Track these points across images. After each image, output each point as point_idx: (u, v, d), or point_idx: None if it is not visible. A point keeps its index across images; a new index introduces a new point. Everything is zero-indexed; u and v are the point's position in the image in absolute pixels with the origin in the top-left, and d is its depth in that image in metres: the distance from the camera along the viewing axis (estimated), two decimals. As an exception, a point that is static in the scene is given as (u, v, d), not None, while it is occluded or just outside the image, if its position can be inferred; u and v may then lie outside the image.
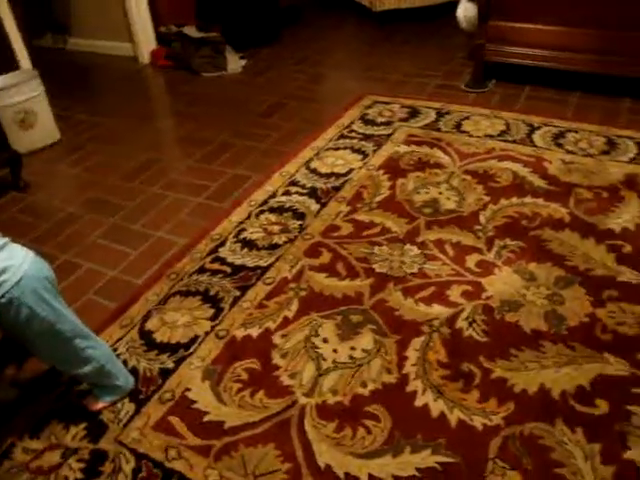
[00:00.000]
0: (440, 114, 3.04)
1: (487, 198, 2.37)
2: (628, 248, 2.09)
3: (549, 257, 2.07)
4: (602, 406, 1.59)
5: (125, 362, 1.78)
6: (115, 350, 1.82)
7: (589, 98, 3.18)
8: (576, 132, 2.80)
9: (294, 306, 1.94)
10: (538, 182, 2.45)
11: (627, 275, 1.98)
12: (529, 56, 3.21)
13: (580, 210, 2.28)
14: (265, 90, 3.58)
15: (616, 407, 1.58)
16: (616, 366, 1.69)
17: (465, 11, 3.46)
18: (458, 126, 2.92)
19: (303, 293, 1.98)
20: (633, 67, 2.98)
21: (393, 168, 2.60)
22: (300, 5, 4.98)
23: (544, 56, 3.17)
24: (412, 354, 1.75)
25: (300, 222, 2.31)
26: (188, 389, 1.70)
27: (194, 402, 1.67)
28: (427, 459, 1.49)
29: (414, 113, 3.06)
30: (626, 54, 2.97)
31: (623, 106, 3.08)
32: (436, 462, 1.48)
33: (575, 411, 1.58)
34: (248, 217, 2.38)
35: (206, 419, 1.62)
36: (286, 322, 1.88)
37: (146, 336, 1.89)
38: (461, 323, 1.83)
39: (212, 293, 2.02)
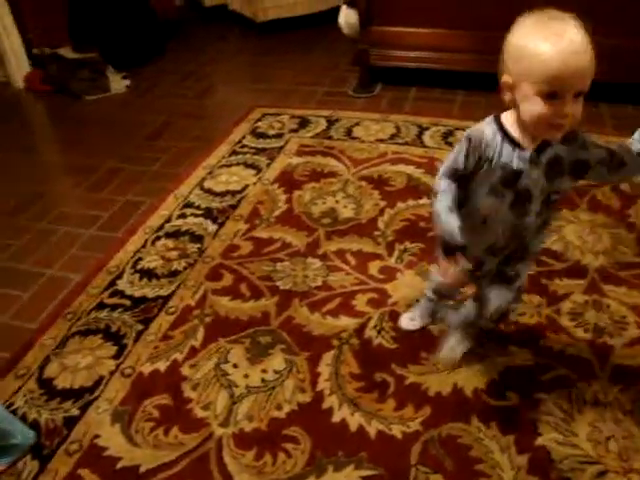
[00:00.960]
0: (330, 122, 3.05)
1: (384, 203, 2.39)
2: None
3: (449, 256, 2.10)
4: (513, 398, 1.63)
5: (24, 416, 1.66)
6: (11, 405, 1.70)
7: (473, 95, 3.29)
8: (464, 130, 2.87)
9: (200, 334, 1.87)
10: (432, 182, 2.47)
11: (523, 266, 2.04)
12: (413, 58, 3.28)
13: (474, 206, 2.34)
14: (151, 109, 3.48)
15: (525, 396, 1.63)
16: (522, 356, 1.74)
17: (346, 17, 3.49)
18: (349, 133, 2.94)
19: (208, 319, 1.92)
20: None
21: (288, 181, 2.58)
22: (180, 19, 4.89)
23: (428, 58, 3.25)
24: (324, 369, 1.73)
25: (198, 245, 2.25)
26: (97, 436, 1.60)
27: (105, 449, 1.57)
28: (351, 475, 1.47)
29: (304, 123, 3.05)
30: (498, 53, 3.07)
31: (501, 101, 3.19)
32: (360, 477, 1.47)
33: (489, 406, 1.61)
34: (144, 245, 2.29)
35: (119, 466, 1.53)
36: (194, 352, 1.82)
37: (46, 384, 1.77)
38: (370, 332, 1.83)
39: (113, 329, 1.92)
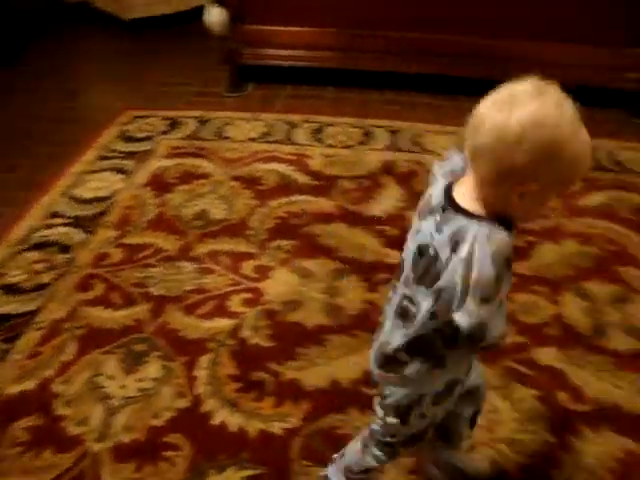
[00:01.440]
0: (201, 122, 3.01)
1: (256, 202, 2.39)
2: (392, 231, 2.24)
3: (322, 251, 2.14)
4: (388, 385, 1.68)
5: None
6: None
7: (344, 92, 3.35)
8: (334, 126, 2.94)
9: (72, 348, 1.80)
10: (303, 179, 2.52)
11: (394, 257, 2.10)
12: (285, 57, 3.30)
13: (345, 201, 2.39)
14: (12, 113, 3.29)
15: (399, 382, 1.68)
16: (394, 345, 1.79)
17: (213, 15, 3.45)
18: (220, 133, 2.91)
19: (80, 332, 1.85)
20: (377, 62, 3.20)
21: (158, 184, 2.52)
22: (43, 17, 4.65)
23: (299, 56, 3.28)
24: (202, 373, 1.71)
25: (67, 255, 2.16)
26: (-42, 473, 1.51)
27: (-34, 486, 1.48)
28: (232, 477, 1.47)
29: (174, 124, 3.00)
30: (369, 50, 3.17)
31: (374, 97, 3.29)
32: (241, 478, 1.46)
33: (365, 395, 1.64)
34: (8, 259, 2.16)
35: (-17, 501, 1.45)
36: (65, 367, 1.74)
37: None
38: (245, 332, 1.83)
39: (-25, 353, 1.81)
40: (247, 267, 2.08)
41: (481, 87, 2.46)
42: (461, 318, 0.95)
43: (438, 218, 1.00)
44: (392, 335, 1.13)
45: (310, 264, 2.08)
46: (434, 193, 1.04)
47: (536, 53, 3.11)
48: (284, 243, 2.18)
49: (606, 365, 1.78)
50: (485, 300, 0.93)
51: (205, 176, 2.57)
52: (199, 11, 4.17)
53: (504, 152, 0.91)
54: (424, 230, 1.03)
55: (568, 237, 2.27)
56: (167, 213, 2.35)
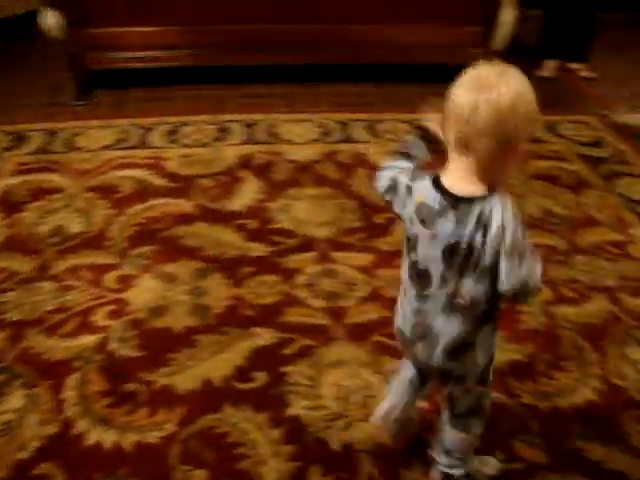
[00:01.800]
0: (50, 134, 2.88)
1: (114, 211, 2.33)
2: (253, 224, 2.25)
3: (185, 253, 2.12)
4: (260, 378, 1.69)
5: None
6: None
7: (198, 90, 3.32)
8: (189, 125, 2.90)
9: None
10: (160, 182, 2.48)
11: (257, 249, 2.13)
12: (133, 59, 3.22)
13: (205, 199, 2.38)
14: None
15: (272, 373, 1.70)
16: (264, 336, 1.81)
17: (47, 20, 3.27)
18: (71, 144, 2.80)
19: None
20: (226, 56, 3.20)
21: (8, 204, 2.39)
22: None
23: (148, 57, 3.21)
24: (69, 394, 1.64)
25: None
26: None
27: None
28: (109, 496, 1.43)
29: (21, 139, 2.84)
30: (217, 46, 3.15)
31: (228, 93, 3.29)
32: (120, 494, 1.43)
33: (239, 391, 1.66)
34: None
35: None
36: None
37: None
38: (113, 345, 1.78)
39: None
40: (109, 279, 2.02)
41: (334, 73, 2.49)
42: (505, 284, 1.10)
43: (454, 216, 1.10)
44: (450, 329, 1.19)
45: (173, 267, 2.06)
46: (427, 199, 1.12)
47: (385, 36, 3.21)
48: (145, 249, 2.14)
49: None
50: (522, 256, 1.08)
51: (58, 190, 2.46)
52: (34, 15, 3.95)
53: (504, 124, 1.04)
54: (443, 232, 1.11)
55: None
56: (20, 233, 2.24)
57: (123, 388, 1.66)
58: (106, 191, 2.44)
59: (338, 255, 2.12)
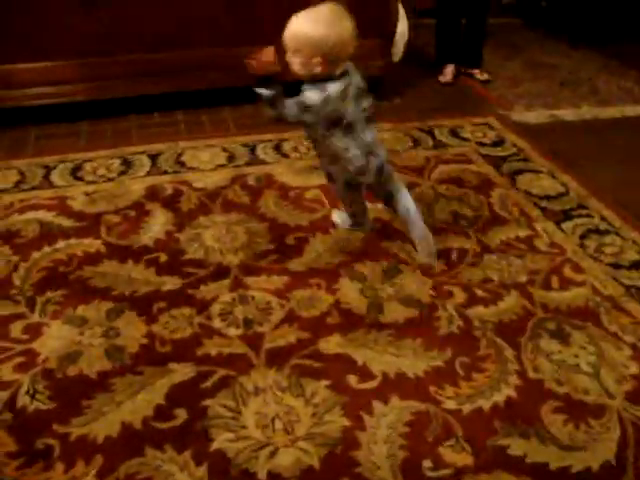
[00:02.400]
0: (-58, 183, 2.74)
1: (17, 257, 2.23)
2: (164, 257, 2.21)
3: (95, 294, 2.06)
4: (181, 414, 1.65)
5: None
6: None
7: (98, 124, 3.25)
8: (92, 161, 2.83)
9: None
10: (66, 223, 2.40)
11: (169, 283, 2.09)
12: (24, 96, 3.12)
13: (113, 236, 2.32)
14: None
15: (193, 408, 1.67)
16: (182, 371, 1.77)
17: None
18: (-34, 191, 2.68)
19: None
20: (123, 87, 3.16)
21: None
22: None
23: (41, 94, 3.13)
24: (-24, 461, 1.56)
25: None
26: None
27: None
28: None
29: None
30: (112, 77, 3.10)
31: (131, 124, 3.24)
32: None
33: (159, 431, 1.61)
34: None
35: None
36: None
37: None
38: (23, 400, 1.70)
39: None
40: (16, 329, 1.93)
41: (235, 95, 2.46)
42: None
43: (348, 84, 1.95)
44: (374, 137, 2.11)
45: (84, 310, 1.99)
46: (336, 88, 1.91)
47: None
48: (53, 294, 2.06)
49: (387, 339, 1.90)
50: None
51: (-46, 240, 2.35)
52: None
53: (317, 43, 1.78)
54: (352, 94, 1.99)
55: (336, 225, 2.39)
56: None
57: (36, 445, 1.58)
58: (7, 236, 2.34)
59: (251, 280, 2.11)
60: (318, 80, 1.86)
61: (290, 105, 1.84)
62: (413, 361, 1.83)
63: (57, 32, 3.02)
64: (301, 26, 1.79)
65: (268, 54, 1.78)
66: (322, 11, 1.81)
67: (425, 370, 1.80)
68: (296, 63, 1.84)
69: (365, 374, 1.78)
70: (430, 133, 3.16)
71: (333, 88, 1.87)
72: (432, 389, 1.74)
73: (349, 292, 2.08)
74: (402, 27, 3.37)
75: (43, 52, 3.05)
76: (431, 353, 1.85)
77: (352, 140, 1.99)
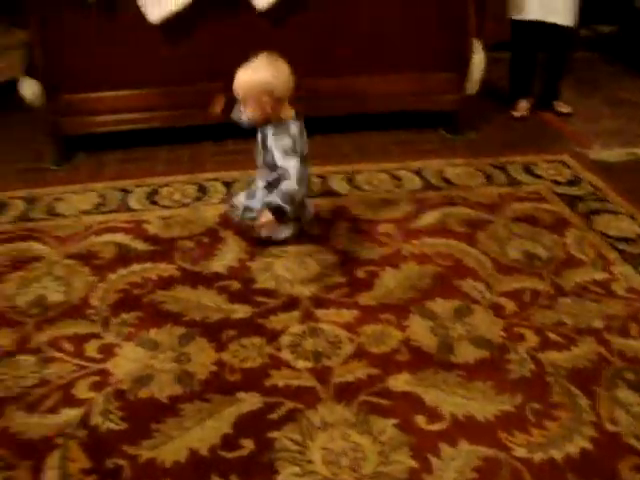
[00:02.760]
0: (29, 202, 2.86)
1: (95, 278, 2.30)
2: (236, 285, 2.24)
3: (167, 318, 2.10)
4: (248, 445, 1.66)
5: None
6: None
7: (176, 150, 3.35)
8: (169, 186, 2.91)
9: None
10: (141, 246, 2.47)
11: (240, 311, 2.11)
12: (109, 122, 3.24)
13: (186, 262, 2.36)
14: None
15: (259, 440, 1.67)
16: (250, 401, 1.78)
17: (28, 88, 3.31)
18: (51, 210, 2.79)
19: None
20: (201, 116, 3.20)
21: (-14, 275, 2.37)
22: None
23: (124, 120, 3.24)
24: (51, 474, 1.59)
25: None
26: None
27: None
28: None
29: (1, 207, 2.83)
30: (191, 106, 3.18)
31: (206, 151, 3.31)
32: None
33: (226, 460, 1.62)
34: None
35: None
36: None
37: None
38: (96, 419, 1.74)
39: None
40: (91, 349, 1.99)
41: (308, 126, 2.56)
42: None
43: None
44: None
45: (156, 334, 2.03)
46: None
47: (356, 87, 3.27)
48: (128, 316, 2.11)
49: (456, 379, 1.86)
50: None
51: (38, 259, 2.44)
52: (15, 83, 4.00)
53: (262, 84, 2.12)
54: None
55: (407, 260, 2.37)
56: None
57: (107, 464, 1.62)
58: (86, 257, 2.42)
59: (321, 313, 2.10)
60: (280, 123, 2.20)
61: (294, 170, 2.15)
62: (483, 404, 1.78)
63: (141, 63, 3.13)
64: (245, 75, 2.12)
65: (219, 102, 2.28)
66: (259, 60, 2.14)
67: (495, 414, 1.75)
68: (250, 109, 2.15)
69: (433, 415, 1.74)
70: (503, 169, 3.11)
71: (294, 127, 2.22)
72: (502, 435, 1.68)
73: (419, 329, 2.05)
74: (477, 60, 3.35)
75: (127, 81, 3.17)
76: (501, 397, 1.80)
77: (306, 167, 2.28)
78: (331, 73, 3.25)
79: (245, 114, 2.24)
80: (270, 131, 2.22)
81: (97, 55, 3.11)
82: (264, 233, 2.14)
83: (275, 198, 2.12)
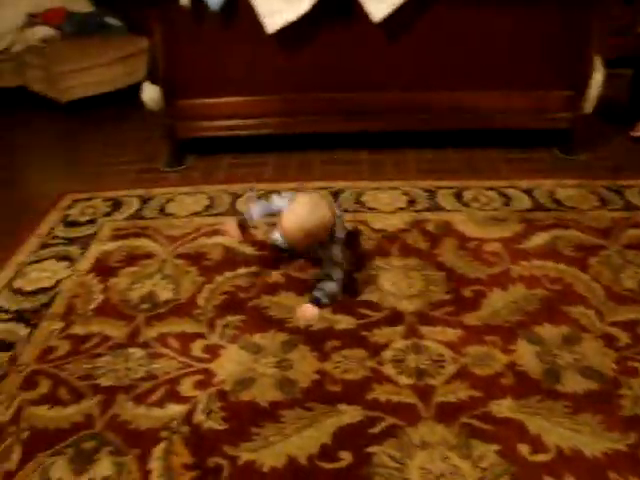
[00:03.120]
0: (144, 201, 2.98)
1: (202, 279, 2.36)
2: (339, 296, 2.23)
3: (271, 324, 2.12)
4: (346, 457, 1.65)
5: None
6: None
7: (285, 156, 3.40)
8: (276, 191, 2.93)
9: (16, 454, 1.71)
10: (248, 250, 2.51)
11: (343, 322, 2.11)
12: (222, 127, 3.33)
13: (292, 269, 2.38)
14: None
15: (358, 453, 1.65)
16: (351, 413, 1.77)
17: (149, 93, 3.48)
18: (163, 210, 2.89)
19: (25, 435, 1.77)
20: (314, 124, 3.28)
21: (103, 269, 2.48)
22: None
23: (236, 125, 3.32)
24: (155, 465, 1.65)
25: (10, 353, 2.08)
26: None
27: None
28: None
29: (117, 205, 2.97)
30: (304, 113, 3.23)
31: (315, 159, 3.35)
32: None
33: (323, 470, 1.62)
34: (-54, 362, 2.08)
35: None
36: (9, 476, 1.65)
37: None
38: (199, 417, 1.78)
39: None
40: (197, 348, 2.04)
41: (417, 139, 2.53)
42: None
43: None
44: None
45: (260, 338, 2.06)
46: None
47: (469, 102, 3.22)
48: (233, 319, 2.15)
49: (563, 410, 1.78)
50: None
51: (150, 256, 2.53)
52: (137, 88, 4.21)
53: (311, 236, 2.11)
54: None
55: (515, 282, 2.30)
56: (113, 298, 2.30)
57: (208, 462, 1.65)
58: (195, 258, 2.49)
59: (426, 330, 2.07)
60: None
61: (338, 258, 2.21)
62: (591, 439, 1.69)
63: (256, 70, 3.20)
64: (294, 226, 2.07)
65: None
66: (303, 205, 2.10)
67: (604, 452, 1.66)
68: (302, 245, 2.14)
69: (538, 445, 1.67)
70: (619, 193, 2.96)
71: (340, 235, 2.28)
72: (612, 475, 1.59)
73: (525, 354, 1.97)
74: (598, 78, 3.22)
75: (242, 88, 3.24)
76: (612, 434, 1.71)
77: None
78: (443, 87, 3.21)
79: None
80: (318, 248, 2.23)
81: (214, 62, 3.20)
82: (303, 323, 2.11)
83: (319, 295, 2.15)
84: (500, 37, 3.11)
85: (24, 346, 2.11)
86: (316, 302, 2.14)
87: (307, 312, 2.13)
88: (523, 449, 1.66)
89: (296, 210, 2.09)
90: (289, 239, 2.11)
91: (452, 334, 2.05)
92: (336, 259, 2.18)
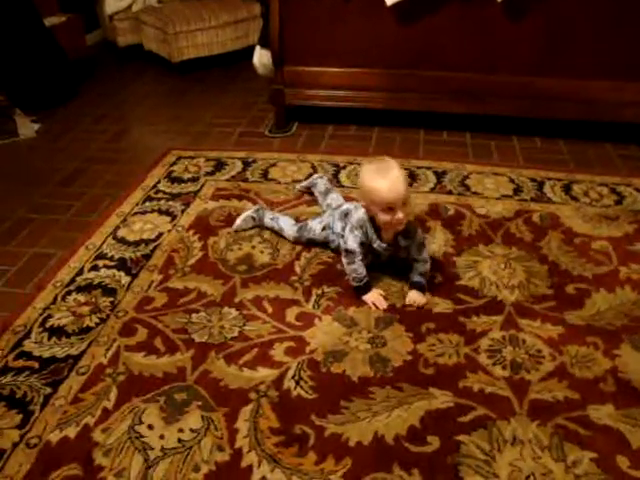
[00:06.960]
0: (247, 163, 3.01)
1: (300, 247, 2.37)
2: (439, 278, 2.19)
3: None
4: (434, 442, 1.61)
5: None
6: None
7: (388, 132, 3.34)
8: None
9: (113, 394, 1.78)
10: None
11: (441, 305, 2.06)
12: (328, 97, 3.33)
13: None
14: (64, 154, 3.36)
15: (446, 440, 1.61)
16: (441, 399, 1.73)
17: (260, 58, 3.50)
18: (265, 174, 2.91)
19: (121, 378, 1.83)
20: (421, 102, 3.21)
21: (203, 227, 2.52)
22: (93, 59, 4.80)
23: (342, 96, 3.31)
24: (242, 425, 1.67)
25: (111, 299, 2.16)
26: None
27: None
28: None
29: (220, 165, 3.01)
30: (412, 91, 3.16)
31: (419, 138, 3.27)
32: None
33: (410, 452, 1.58)
34: (54, 301, 2.17)
35: None
36: (106, 414, 1.72)
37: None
38: (288, 383, 1.79)
39: (19, 395, 1.79)
40: (291, 314, 2.04)
41: (523, 126, 2.41)
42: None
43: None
44: None
45: (354, 312, 2.04)
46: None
47: (576, 91, 3.06)
48: (328, 290, 2.14)
49: (668, 426, 1.68)
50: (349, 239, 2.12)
51: (251, 218, 2.55)
52: (243, 52, 4.26)
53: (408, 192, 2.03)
54: None
55: (623, 284, 2.18)
56: (211, 257, 2.34)
57: (294, 429, 1.65)
58: (298, 226, 2.49)
59: (525, 322, 1.99)
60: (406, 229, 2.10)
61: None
62: (700, 459, 1.59)
63: (367, 43, 3.16)
64: (397, 181, 1.95)
65: (381, 302, 2.08)
66: (387, 164, 2.01)
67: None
68: (402, 213, 1.98)
69: (638, 459, 1.59)
70: None
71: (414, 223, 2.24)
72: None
73: (630, 361, 1.87)
74: None
75: (352, 60, 3.22)
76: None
77: None
78: (561, 74, 3.07)
79: (387, 232, 2.09)
80: (401, 240, 2.11)
81: (326, 31, 3.18)
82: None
83: (421, 280, 2.12)
84: (630, 23, 2.93)
85: (124, 294, 2.18)
86: (420, 288, 2.10)
87: (418, 300, 2.07)
88: (622, 461, 1.57)
89: (386, 166, 1.99)
90: (398, 193, 1.94)
91: (552, 330, 1.96)
92: (421, 240, 2.12)
